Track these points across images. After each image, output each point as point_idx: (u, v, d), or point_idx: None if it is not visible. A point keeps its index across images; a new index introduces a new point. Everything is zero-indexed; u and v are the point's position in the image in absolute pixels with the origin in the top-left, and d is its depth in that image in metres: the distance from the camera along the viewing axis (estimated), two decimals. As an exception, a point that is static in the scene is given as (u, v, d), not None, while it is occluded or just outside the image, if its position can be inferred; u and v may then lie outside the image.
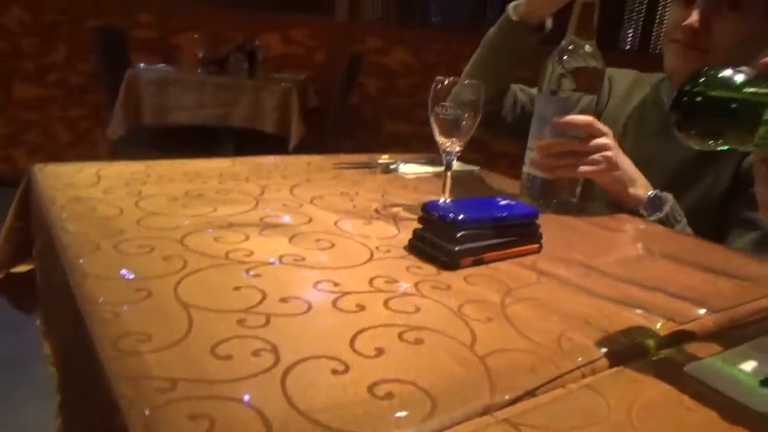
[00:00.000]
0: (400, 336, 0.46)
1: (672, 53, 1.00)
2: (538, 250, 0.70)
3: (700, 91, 0.47)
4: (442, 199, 0.80)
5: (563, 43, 0.90)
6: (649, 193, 0.90)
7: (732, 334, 0.54)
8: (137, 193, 0.78)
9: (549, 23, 1.06)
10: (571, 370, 0.44)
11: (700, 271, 0.70)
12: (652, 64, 1.16)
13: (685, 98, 0.49)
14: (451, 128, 0.82)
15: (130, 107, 2.65)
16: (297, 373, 0.40)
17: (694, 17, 0.93)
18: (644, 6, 4.25)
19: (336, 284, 0.55)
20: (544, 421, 0.38)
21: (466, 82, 0.81)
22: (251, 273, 0.56)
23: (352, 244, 0.67)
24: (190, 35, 3.36)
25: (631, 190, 0.90)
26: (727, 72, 0.47)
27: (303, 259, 0.61)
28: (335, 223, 0.74)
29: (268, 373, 0.39)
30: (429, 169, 1.10)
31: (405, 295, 0.54)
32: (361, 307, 0.51)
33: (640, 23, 4.29)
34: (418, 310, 0.51)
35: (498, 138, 1.15)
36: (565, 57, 0.89)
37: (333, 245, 0.66)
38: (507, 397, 0.40)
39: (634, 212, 0.91)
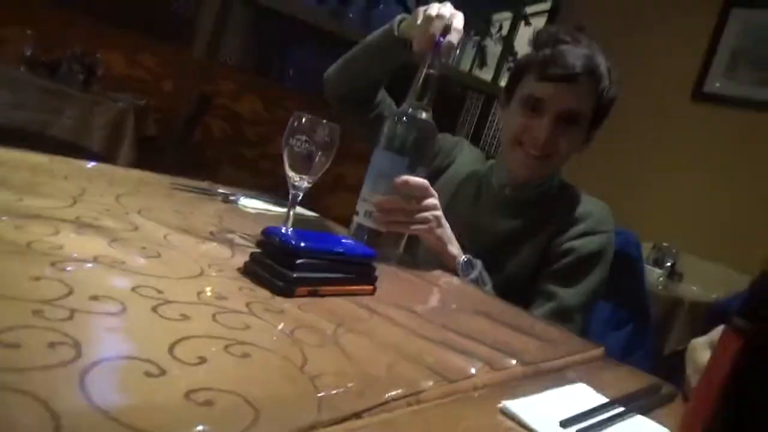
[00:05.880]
0: (226, 348, 0.43)
1: (517, 159, 1.10)
2: (372, 292, 0.71)
3: None
4: (284, 228, 0.78)
5: (403, 105, 0.96)
6: (463, 256, 0.99)
7: (536, 384, 0.59)
8: None
9: None
10: (398, 398, 0.44)
11: (509, 329, 0.75)
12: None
13: None
14: (303, 163, 0.82)
15: None
16: (101, 370, 0.34)
17: (546, 130, 1.05)
18: (476, 116, 4.78)
19: (159, 291, 0.49)
20: (370, 439, 0.37)
21: (325, 121, 0.82)
22: (58, 266, 0.48)
23: (181, 257, 0.61)
24: (19, 29, 3.00)
25: (449, 248, 0.98)
26: None
27: (123, 262, 0.54)
28: (164, 236, 0.67)
29: (64, 367, 0.33)
30: (271, 207, 1.08)
31: (235, 312, 0.51)
32: (185, 317, 0.46)
33: (472, 128, 4.80)
34: (248, 327, 0.48)
35: (351, 120, 1.21)
36: (404, 119, 0.94)
37: (159, 255, 0.60)
38: (334, 415, 0.38)
39: (447, 269, 0.98)
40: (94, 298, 0.44)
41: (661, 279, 2.88)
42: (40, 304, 0.40)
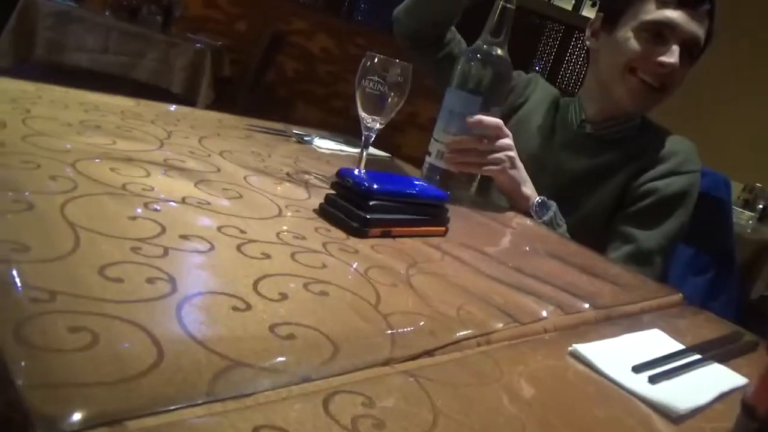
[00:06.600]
0: (305, 286, 0.45)
1: (629, 88, 1.02)
2: (444, 233, 0.71)
3: None
4: (357, 170, 0.80)
5: (477, 42, 0.93)
6: (537, 198, 0.96)
7: (609, 329, 0.59)
8: (25, 110, 0.69)
9: None
10: (468, 338, 0.45)
11: (583, 273, 0.74)
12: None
13: None
14: (375, 104, 0.82)
15: (21, 37, 2.39)
16: (194, 304, 0.37)
17: (674, 59, 0.97)
18: (555, 49, 4.53)
19: (242, 231, 0.52)
20: (440, 376, 0.38)
21: (397, 61, 0.81)
22: (150, 207, 0.52)
23: (260, 198, 0.64)
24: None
25: (523, 189, 0.96)
26: None
27: (208, 203, 0.57)
28: (244, 177, 0.70)
29: (162, 300, 0.36)
30: (344, 147, 1.09)
31: (312, 251, 0.53)
32: (267, 256, 0.49)
33: (549, 62, 4.57)
34: (324, 266, 0.50)
35: (419, 60, 1.16)
36: (478, 56, 0.91)
37: (241, 196, 0.63)
38: (406, 352, 0.40)
39: (520, 211, 0.97)
40: (184, 237, 0.47)
41: (750, 222, 2.71)
42: (137, 242, 0.43)
